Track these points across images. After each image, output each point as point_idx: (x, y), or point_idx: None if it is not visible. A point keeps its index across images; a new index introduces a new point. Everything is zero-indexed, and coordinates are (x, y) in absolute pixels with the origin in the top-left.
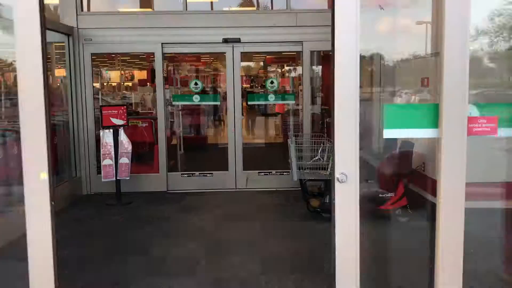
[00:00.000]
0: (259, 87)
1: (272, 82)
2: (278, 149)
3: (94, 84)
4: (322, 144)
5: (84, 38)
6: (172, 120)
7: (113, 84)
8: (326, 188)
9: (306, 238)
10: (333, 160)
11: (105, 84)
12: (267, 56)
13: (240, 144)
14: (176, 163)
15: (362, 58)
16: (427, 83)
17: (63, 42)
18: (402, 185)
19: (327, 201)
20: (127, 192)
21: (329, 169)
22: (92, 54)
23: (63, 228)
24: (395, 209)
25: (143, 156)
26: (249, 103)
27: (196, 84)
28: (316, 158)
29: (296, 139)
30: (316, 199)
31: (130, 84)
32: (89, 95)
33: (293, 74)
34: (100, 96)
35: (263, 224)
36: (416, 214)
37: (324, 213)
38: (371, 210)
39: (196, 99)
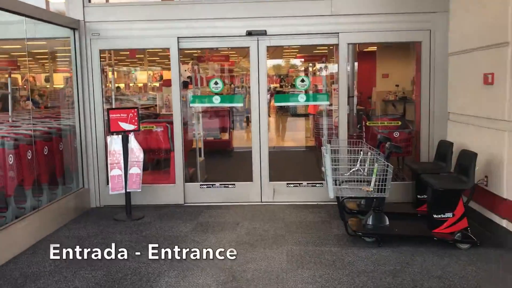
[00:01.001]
0: (289, 86)
1: (302, 81)
2: (309, 155)
3: (118, 85)
4: (361, 153)
5: (91, 32)
6: (191, 123)
7: (139, 84)
8: (367, 205)
9: (346, 271)
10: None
11: (131, 84)
12: (297, 52)
13: (266, 152)
14: (195, 172)
15: None
16: None
17: (68, 37)
18: (461, 203)
19: (370, 223)
20: (139, 205)
21: (373, 184)
22: (101, 51)
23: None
24: (453, 233)
25: (157, 164)
26: (277, 104)
27: (216, 83)
28: (355, 169)
29: (331, 146)
30: (355, 219)
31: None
32: (98, 96)
33: (323, 71)
34: (113, 98)
35: (291, 251)
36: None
37: (367, 237)
38: (423, 234)
39: (216, 100)
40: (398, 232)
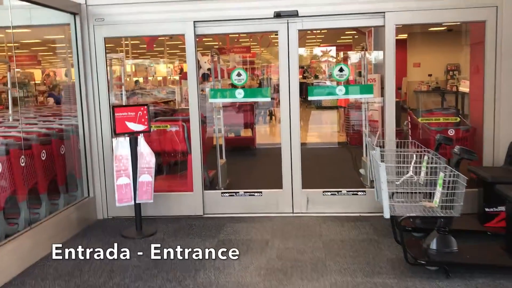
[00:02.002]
0: (312, 78)
1: (341, 70)
2: (342, 153)
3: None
4: (414, 157)
5: (94, 17)
6: (210, 120)
7: (158, 78)
8: (425, 222)
9: None
10: None
11: (149, 78)
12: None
13: (298, 155)
14: (216, 175)
15: None
16: None
17: (68, 24)
18: None
19: (434, 248)
20: (151, 216)
21: (438, 199)
22: (106, 39)
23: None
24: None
25: (172, 169)
26: (311, 98)
27: (239, 75)
28: (408, 175)
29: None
30: (413, 241)
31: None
32: (104, 91)
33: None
34: (123, 93)
35: (336, 284)
36: None
37: (430, 266)
38: (505, 264)
39: (239, 94)
40: (471, 260)
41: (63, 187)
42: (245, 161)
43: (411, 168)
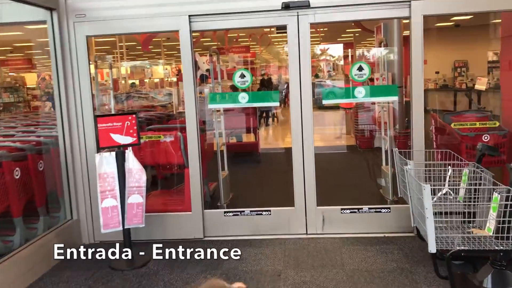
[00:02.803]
0: (313, 77)
1: (360, 69)
2: (354, 159)
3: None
4: (449, 169)
5: (75, 13)
6: (210, 127)
7: (155, 80)
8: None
9: None
10: None
11: (146, 81)
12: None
13: (312, 168)
14: (217, 189)
15: None
16: None
17: (43, 21)
18: None
19: (489, 286)
20: (144, 241)
21: (492, 227)
22: (89, 37)
23: None
24: None
25: (168, 182)
26: (326, 102)
27: (242, 76)
28: (443, 192)
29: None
30: (458, 276)
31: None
32: (87, 98)
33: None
34: (111, 97)
35: None
36: None
37: None
38: None
39: (243, 99)
40: None
41: (43, 208)
42: (249, 170)
43: (447, 183)
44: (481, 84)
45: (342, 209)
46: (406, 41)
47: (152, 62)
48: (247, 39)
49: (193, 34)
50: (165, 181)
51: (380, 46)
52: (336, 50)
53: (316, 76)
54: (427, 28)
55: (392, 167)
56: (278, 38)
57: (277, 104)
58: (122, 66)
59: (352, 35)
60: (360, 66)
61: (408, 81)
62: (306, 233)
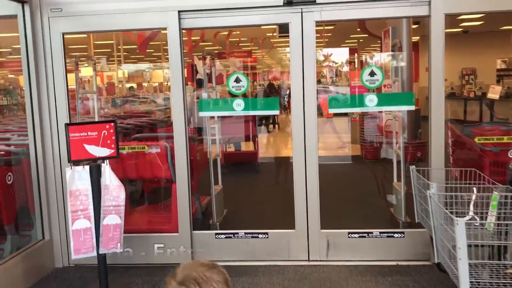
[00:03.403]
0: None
1: (372, 74)
2: (360, 171)
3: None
4: (474, 192)
5: (49, 7)
6: (201, 137)
7: (154, 84)
8: None
9: None
10: None
11: (144, 84)
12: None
13: (316, 186)
14: (209, 204)
15: None
16: None
17: (14, 16)
18: None
19: None
20: (124, 265)
21: None
22: (65, 34)
23: None
24: None
25: (155, 199)
26: (332, 110)
27: (237, 81)
28: (467, 218)
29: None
30: None
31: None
32: (62, 104)
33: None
34: (95, 102)
35: None
36: None
37: None
38: None
39: (238, 106)
40: None
41: (11, 226)
42: (247, 182)
43: (471, 208)
44: (494, 93)
45: (349, 233)
46: (415, 47)
47: (154, 66)
48: (249, 44)
49: (193, 38)
50: (152, 195)
51: (393, 50)
52: (339, 56)
53: (319, 82)
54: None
55: (405, 185)
56: (281, 42)
57: (277, 112)
58: (120, 69)
59: (356, 40)
60: (372, 71)
61: (414, 88)
62: (308, 260)
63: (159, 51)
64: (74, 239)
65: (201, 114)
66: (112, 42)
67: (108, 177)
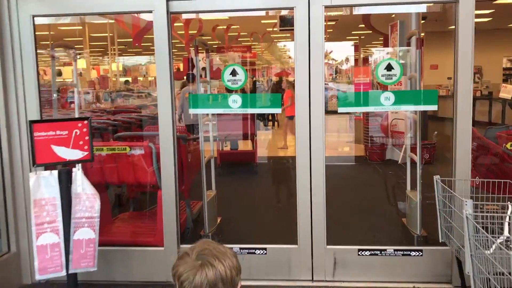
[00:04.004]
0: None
1: (389, 68)
2: (363, 172)
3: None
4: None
5: None
6: (194, 136)
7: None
8: None
9: None
10: None
11: (140, 79)
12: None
13: (322, 197)
14: (201, 210)
15: None
16: None
17: None
18: None
19: None
20: (99, 282)
21: None
22: (36, 17)
23: None
24: None
25: (140, 205)
26: (342, 110)
27: (234, 74)
28: (502, 239)
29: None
30: None
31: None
32: (33, 100)
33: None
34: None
35: None
36: None
37: None
38: None
39: (234, 103)
40: None
41: None
42: (243, 185)
43: (506, 227)
44: (506, 92)
45: (360, 250)
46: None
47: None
48: (249, 39)
49: (190, 32)
50: (138, 200)
51: (409, 43)
52: (339, 53)
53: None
54: (441, 31)
55: (420, 194)
56: (281, 38)
57: (279, 110)
58: (114, 63)
59: (358, 37)
60: (390, 65)
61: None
62: (312, 280)
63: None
64: (39, 256)
65: (192, 111)
66: (107, 35)
67: (81, 184)
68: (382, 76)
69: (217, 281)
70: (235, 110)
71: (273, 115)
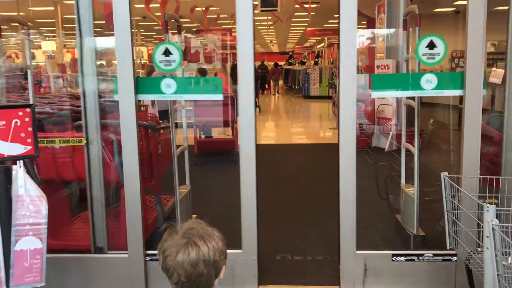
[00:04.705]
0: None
1: (431, 46)
2: (367, 162)
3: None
4: None
5: None
6: (166, 124)
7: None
8: None
9: None
10: None
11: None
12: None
13: (352, 190)
14: (174, 214)
15: None
16: None
17: None
18: None
19: None
20: None
21: None
22: None
23: None
24: None
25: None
26: (377, 93)
27: (167, 53)
28: None
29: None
30: None
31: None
32: None
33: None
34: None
35: None
36: None
37: None
38: None
39: (168, 88)
40: None
41: None
42: (222, 176)
43: None
44: (496, 77)
45: (394, 255)
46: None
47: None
48: (229, 21)
49: None
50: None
51: (405, 20)
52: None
53: (302, 63)
54: (426, 14)
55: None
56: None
57: (220, 97)
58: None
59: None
60: (432, 42)
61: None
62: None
63: (132, 27)
64: None
65: (139, 96)
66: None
67: (23, 184)
68: (423, 55)
69: (199, 261)
70: (170, 96)
71: (254, 99)
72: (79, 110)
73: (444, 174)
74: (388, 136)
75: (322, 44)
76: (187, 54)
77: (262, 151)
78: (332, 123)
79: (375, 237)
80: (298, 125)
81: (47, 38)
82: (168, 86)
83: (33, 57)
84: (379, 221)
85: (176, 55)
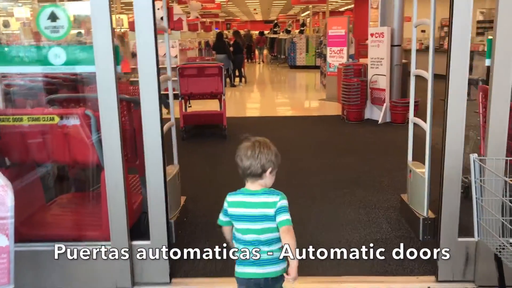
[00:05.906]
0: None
1: (54, 18)
2: (344, 135)
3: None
4: None
5: None
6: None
7: None
8: None
9: None
10: None
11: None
12: None
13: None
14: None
15: None
16: None
17: None
18: None
19: None
20: None
21: None
22: None
23: None
24: None
25: (79, 188)
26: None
27: (54, 18)
28: None
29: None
30: None
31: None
32: None
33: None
34: None
35: None
36: None
37: None
38: None
39: (57, 58)
40: None
41: None
42: (210, 152)
43: None
44: None
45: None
46: None
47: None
48: None
49: None
50: (81, 177)
51: None
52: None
53: (287, 31)
54: None
55: (429, 169)
56: None
57: (92, 68)
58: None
59: None
60: (53, 13)
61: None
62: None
63: None
64: None
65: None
66: None
67: None
68: (46, 28)
69: (252, 158)
70: (55, 68)
71: (239, 70)
72: (54, 82)
73: (473, 156)
74: (381, 107)
75: (308, 12)
76: (169, 22)
77: (248, 124)
78: (320, 94)
79: (377, 220)
80: (285, 97)
81: (20, 4)
82: (56, 56)
83: (7, 25)
84: (382, 201)
85: (64, 20)
